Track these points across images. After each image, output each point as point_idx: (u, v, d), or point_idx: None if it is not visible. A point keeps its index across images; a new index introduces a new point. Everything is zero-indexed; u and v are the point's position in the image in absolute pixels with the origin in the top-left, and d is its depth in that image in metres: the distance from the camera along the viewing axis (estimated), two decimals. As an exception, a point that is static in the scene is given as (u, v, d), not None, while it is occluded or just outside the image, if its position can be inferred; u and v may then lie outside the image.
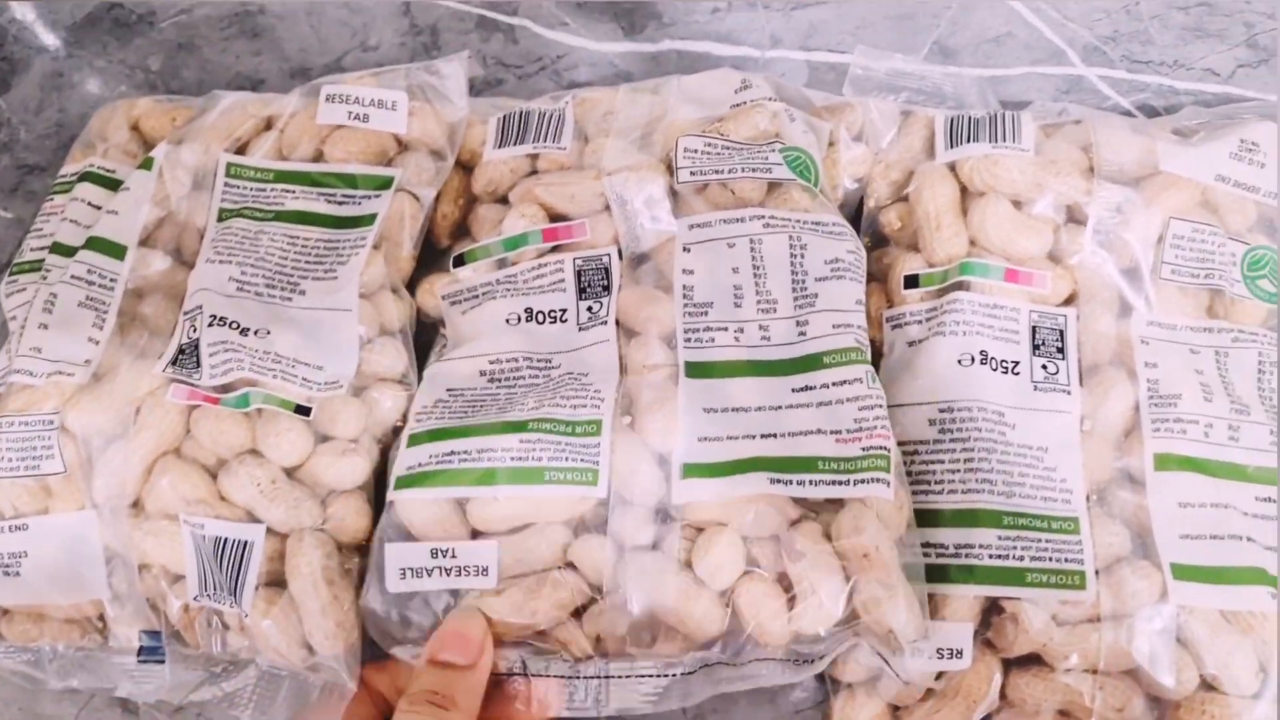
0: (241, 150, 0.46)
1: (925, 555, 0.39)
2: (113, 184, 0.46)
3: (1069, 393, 0.41)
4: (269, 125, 0.47)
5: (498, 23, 0.55)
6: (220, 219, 0.45)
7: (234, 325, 0.41)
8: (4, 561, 0.39)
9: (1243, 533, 0.38)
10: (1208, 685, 0.37)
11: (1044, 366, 0.41)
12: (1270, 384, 0.42)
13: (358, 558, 0.40)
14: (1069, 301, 0.43)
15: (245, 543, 0.38)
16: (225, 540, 0.38)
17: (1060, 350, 0.42)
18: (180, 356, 0.41)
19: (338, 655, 0.38)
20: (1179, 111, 0.50)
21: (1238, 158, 0.44)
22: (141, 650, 0.40)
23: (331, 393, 0.41)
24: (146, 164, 0.45)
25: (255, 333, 0.41)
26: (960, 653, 0.37)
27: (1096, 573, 0.38)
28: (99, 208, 0.46)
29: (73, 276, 0.43)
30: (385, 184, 0.46)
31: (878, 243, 0.46)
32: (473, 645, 0.36)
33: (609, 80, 0.53)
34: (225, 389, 0.40)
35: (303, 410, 0.40)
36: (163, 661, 0.40)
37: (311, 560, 0.38)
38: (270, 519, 0.39)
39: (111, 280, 0.43)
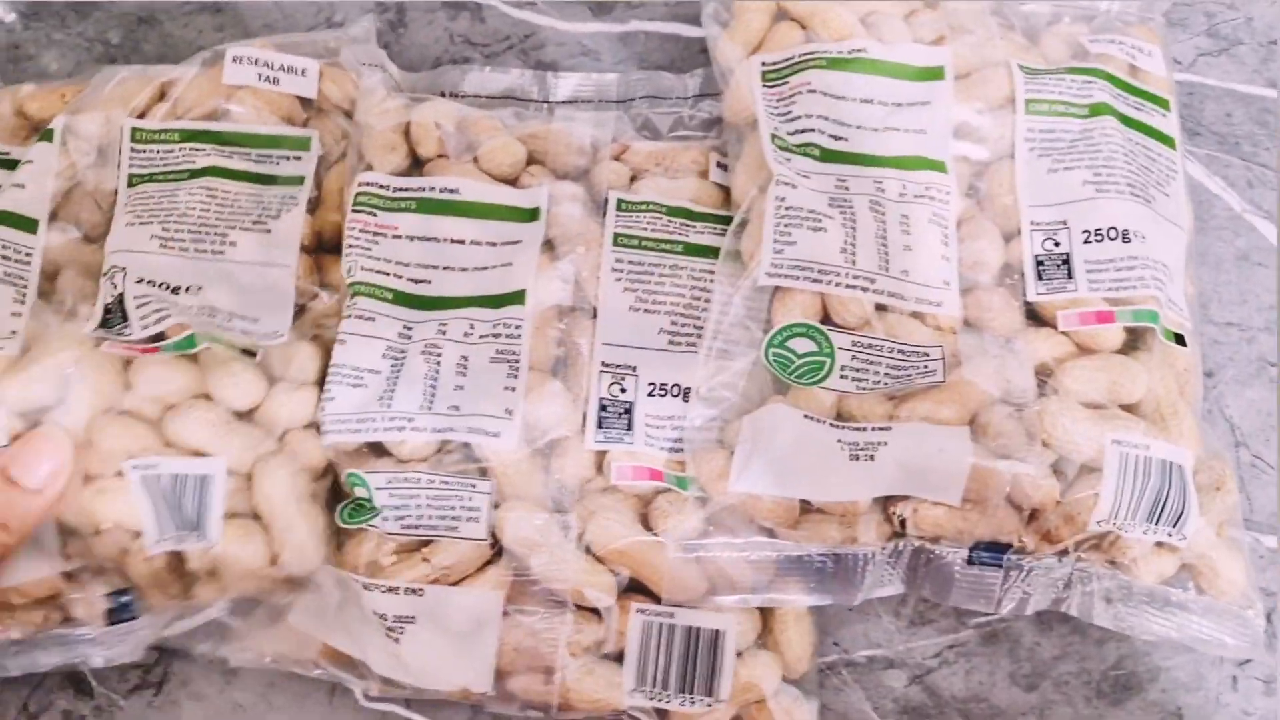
0: (141, 117, 0.44)
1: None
2: (9, 164, 0.44)
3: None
4: (163, 95, 0.45)
5: (464, 2, 0.52)
6: (131, 185, 0.43)
7: (164, 285, 0.40)
8: None
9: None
10: None
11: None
12: None
13: (325, 479, 0.40)
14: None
15: (204, 476, 0.38)
16: (184, 477, 0.38)
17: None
18: (108, 317, 0.40)
19: (311, 573, 0.39)
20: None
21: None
22: (110, 613, 0.39)
23: (274, 342, 0.40)
24: (47, 135, 0.43)
25: (187, 290, 0.40)
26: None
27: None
28: None
29: (-13, 254, 0.42)
30: (302, 144, 0.44)
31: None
32: (43, 470, 0.36)
33: (576, 59, 0.50)
34: (160, 337, 0.39)
35: (248, 353, 0.39)
36: (135, 618, 0.39)
37: (277, 480, 0.38)
38: (228, 457, 0.38)
39: (27, 254, 0.42)
